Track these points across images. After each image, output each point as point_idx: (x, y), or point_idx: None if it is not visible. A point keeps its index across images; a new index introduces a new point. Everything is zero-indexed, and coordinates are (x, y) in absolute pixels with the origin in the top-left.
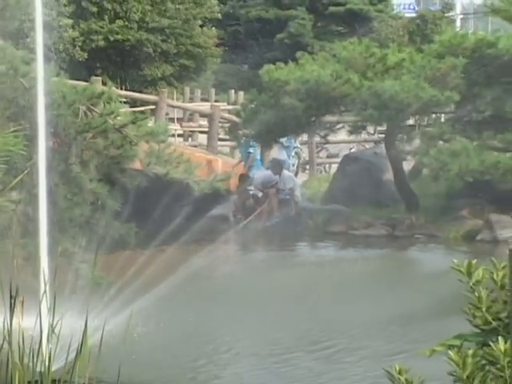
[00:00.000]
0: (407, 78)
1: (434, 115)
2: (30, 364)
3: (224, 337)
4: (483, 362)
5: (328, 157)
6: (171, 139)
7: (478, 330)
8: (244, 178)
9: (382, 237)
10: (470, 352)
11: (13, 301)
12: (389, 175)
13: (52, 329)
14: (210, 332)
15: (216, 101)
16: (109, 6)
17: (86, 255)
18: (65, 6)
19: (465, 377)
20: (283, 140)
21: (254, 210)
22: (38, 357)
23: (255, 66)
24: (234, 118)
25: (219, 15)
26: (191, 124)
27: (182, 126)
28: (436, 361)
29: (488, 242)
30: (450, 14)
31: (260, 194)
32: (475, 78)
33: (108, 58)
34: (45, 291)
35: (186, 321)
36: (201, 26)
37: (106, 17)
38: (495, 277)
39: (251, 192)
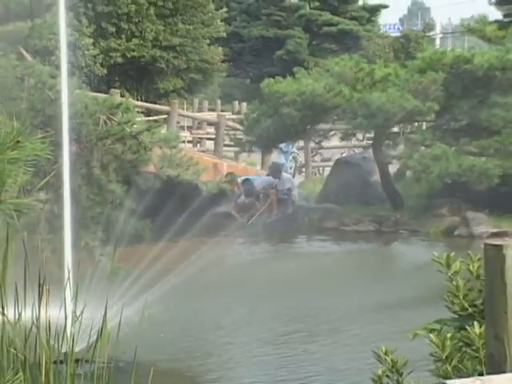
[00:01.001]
0: (392, 91)
1: (416, 123)
2: (56, 345)
3: (234, 316)
4: (460, 344)
5: (322, 161)
6: (182, 145)
7: (456, 316)
8: (246, 183)
9: (370, 232)
10: (449, 335)
11: (40, 289)
12: (376, 177)
13: (75, 314)
14: (222, 313)
15: (222, 111)
16: (126, 27)
17: (106, 248)
18: (86, 26)
19: (444, 357)
20: (282, 145)
21: (255, 208)
22: (62, 339)
23: (257, 80)
24: (238, 126)
25: (225, 34)
26: (199, 131)
27: (191, 134)
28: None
29: (465, 237)
30: (431, 33)
31: (261, 194)
32: (453, 90)
33: (125, 72)
34: (68, 280)
35: (199, 303)
36: (208, 44)
37: (123, 36)
38: (471, 268)
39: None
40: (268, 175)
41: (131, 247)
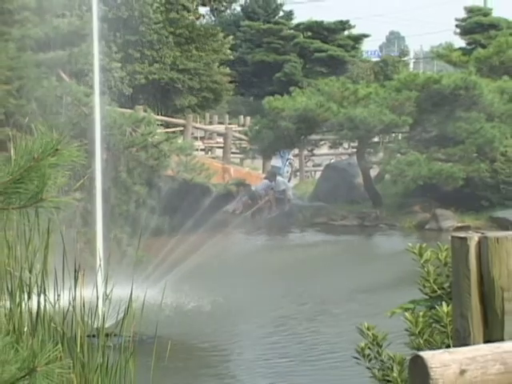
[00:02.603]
0: (373, 107)
1: (393, 134)
2: (89, 322)
3: (241, 296)
4: (431, 320)
5: (313, 166)
6: (195, 153)
7: (427, 297)
8: (247, 187)
9: (354, 226)
10: (421, 313)
11: (76, 274)
12: (359, 180)
13: (105, 295)
14: (230, 293)
15: (229, 124)
16: (148, 53)
17: (131, 240)
18: (115, 53)
19: (417, 332)
20: (280, 153)
21: (256, 207)
22: (94, 316)
23: (259, 98)
24: (243, 137)
25: (232, 58)
26: (210, 141)
27: (203, 143)
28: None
29: (434, 230)
30: (405, 58)
31: (263, 195)
32: (424, 106)
33: (148, 92)
34: (100, 267)
35: (212, 284)
36: (218, 67)
37: (146, 61)
38: (440, 256)
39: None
40: (265, 178)
41: (153, 239)
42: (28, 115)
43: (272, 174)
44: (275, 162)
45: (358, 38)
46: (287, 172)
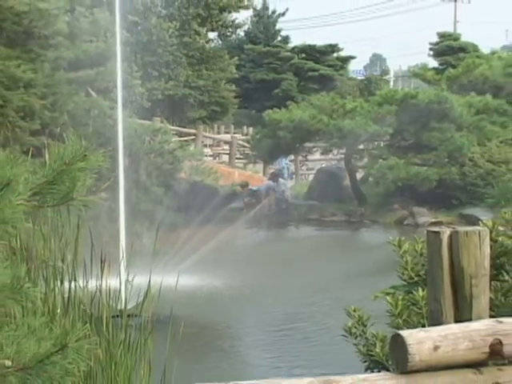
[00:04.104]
0: (359, 119)
1: (376, 142)
2: (113, 304)
3: (246, 281)
4: (409, 303)
5: (307, 169)
6: (205, 158)
7: (405, 283)
8: (248, 190)
9: (342, 222)
10: (400, 297)
11: (102, 263)
12: (347, 181)
13: (127, 281)
14: (236, 280)
15: (234, 133)
16: (164, 72)
17: (150, 234)
18: (136, 71)
19: (397, 313)
20: (278, 159)
21: (258, 205)
22: (118, 299)
23: (260, 111)
24: (246, 144)
25: (236, 76)
26: (218, 148)
27: (212, 150)
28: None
29: (412, 226)
30: (386, 77)
31: (264, 195)
32: (403, 118)
33: (164, 105)
34: (123, 257)
35: (219, 271)
36: (224, 85)
37: (162, 79)
38: (416, 248)
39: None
40: (269, 179)
41: (169, 233)
42: (60, 126)
43: (275, 176)
44: (274, 167)
45: (346, 60)
46: (284, 175)
